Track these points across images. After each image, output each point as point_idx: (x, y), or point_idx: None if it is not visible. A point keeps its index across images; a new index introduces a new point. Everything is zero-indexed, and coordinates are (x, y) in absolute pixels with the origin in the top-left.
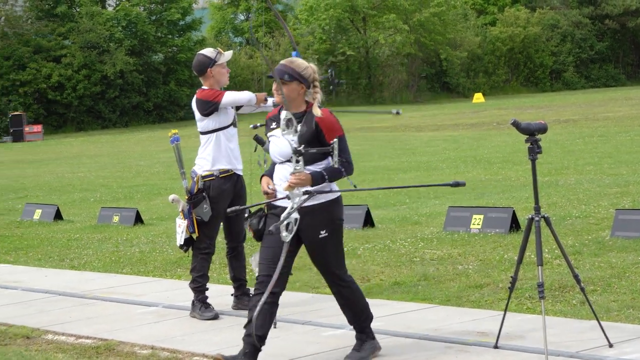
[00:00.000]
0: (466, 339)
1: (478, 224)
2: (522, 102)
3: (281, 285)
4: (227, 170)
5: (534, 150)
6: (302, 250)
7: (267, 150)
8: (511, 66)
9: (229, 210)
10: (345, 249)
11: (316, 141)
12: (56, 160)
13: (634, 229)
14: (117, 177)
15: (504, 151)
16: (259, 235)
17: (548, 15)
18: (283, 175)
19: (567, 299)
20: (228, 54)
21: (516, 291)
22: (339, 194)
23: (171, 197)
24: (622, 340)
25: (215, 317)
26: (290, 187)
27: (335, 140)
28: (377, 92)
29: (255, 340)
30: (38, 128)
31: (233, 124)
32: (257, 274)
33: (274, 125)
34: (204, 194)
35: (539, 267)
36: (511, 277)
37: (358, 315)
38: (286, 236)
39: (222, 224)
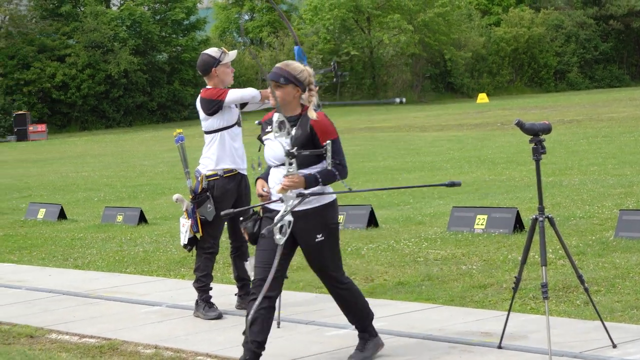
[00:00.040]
0: (470, 339)
1: (482, 224)
2: (526, 103)
3: (277, 289)
4: (231, 170)
5: (538, 150)
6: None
7: None
8: (515, 66)
9: (222, 213)
10: (349, 249)
11: (311, 144)
12: (60, 159)
13: (637, 229)
14: (121, 176)
15: (508, 151)
16: (254, 239)
17: (552, 15)
18: (278, 179)
19: (571, 300)
20: (232, 54)
21: (520, 291)
22: (333, 197)
23: (175, 196)
24: (626, 341)
25: (219, 316)
26: (284, 189)
27: (328, 142)
28: (382, 92)
29: (254, 346)
30: (42, 127)
31: (237, 123)
32: (252, 278)
33: (269, 128)
34: (207, 193)
35: (543, 267)
36: (515, 277)
37: (358, 315)
38: (280, 239)
39: (226, 223)
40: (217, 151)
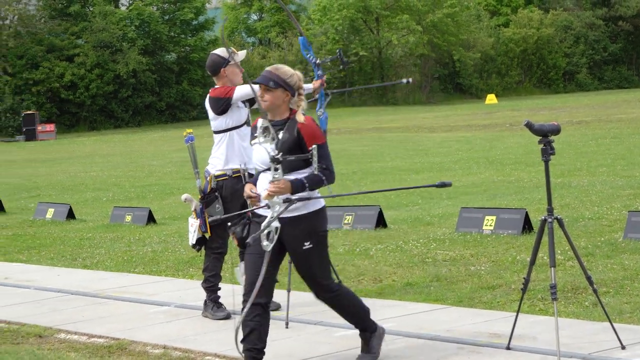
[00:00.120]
0: (478, 340)
1: (490, 225)
2: (535, 104)
3: (267, 295)
4: (240, 170)
5: (547, 151)
6: None
7: None
8: (524, 67)
9: (209, 220)
10: (357, 250)
11: (297, 148)
12: (69, 159)
13: None
14: (130, 176)
15: (517, 152)
16: (243, 243)
17: (561, 16)
18: (266, 184)
19: (580, 301)
20: (242, 54)
21: (528, 292)
22: (322, 204)
23: (184, 196)
24: (635, 342)
25: (228, 316)
26: (270, 195)
27: (314, 147)
28: (390, 93)
29: (254, 353)
30: (51, 127)
31: (247, 122)
32: (242, 284)
33: (257, 133)
34: (216, 193)
35: (552, 268)
36: (524, 278)
37: (355, 317)
38: (267, 245)
39: None
40: (225, 151)
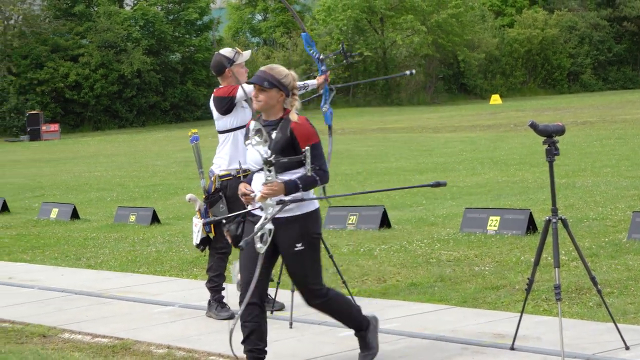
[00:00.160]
0: (482, 340)
1: (495, 226)
2: (539, 104)
3: (261, 295)
4: (244, 170)
5: (552, 152)
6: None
7: None
8: (529, 68)
9: (203, 221)
10: (361, 250)
11: (291, 148)
12: (73, 159)
13: None
14: (134, 176)
15: (521, 153)
16: (237, 241)
17: (566, 17)
18: (260, 184)
19: (584, 301)
20: (246, 54)
21: (533, 293)
22: (315, 207)
23: (188, 196)
24: (639, 343)
25: (232, 316)
26: (263, 197)
27: (307, 148)
28: (395, 93)
29: (256, 354)
30: (55, 127)
31: None
32: (236, 283)
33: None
34: (220, 193)
35: (556, 269)
36: (528, 278)
37: (348, 318)
38: (260, 247)
39: None
40: (230, 151)
